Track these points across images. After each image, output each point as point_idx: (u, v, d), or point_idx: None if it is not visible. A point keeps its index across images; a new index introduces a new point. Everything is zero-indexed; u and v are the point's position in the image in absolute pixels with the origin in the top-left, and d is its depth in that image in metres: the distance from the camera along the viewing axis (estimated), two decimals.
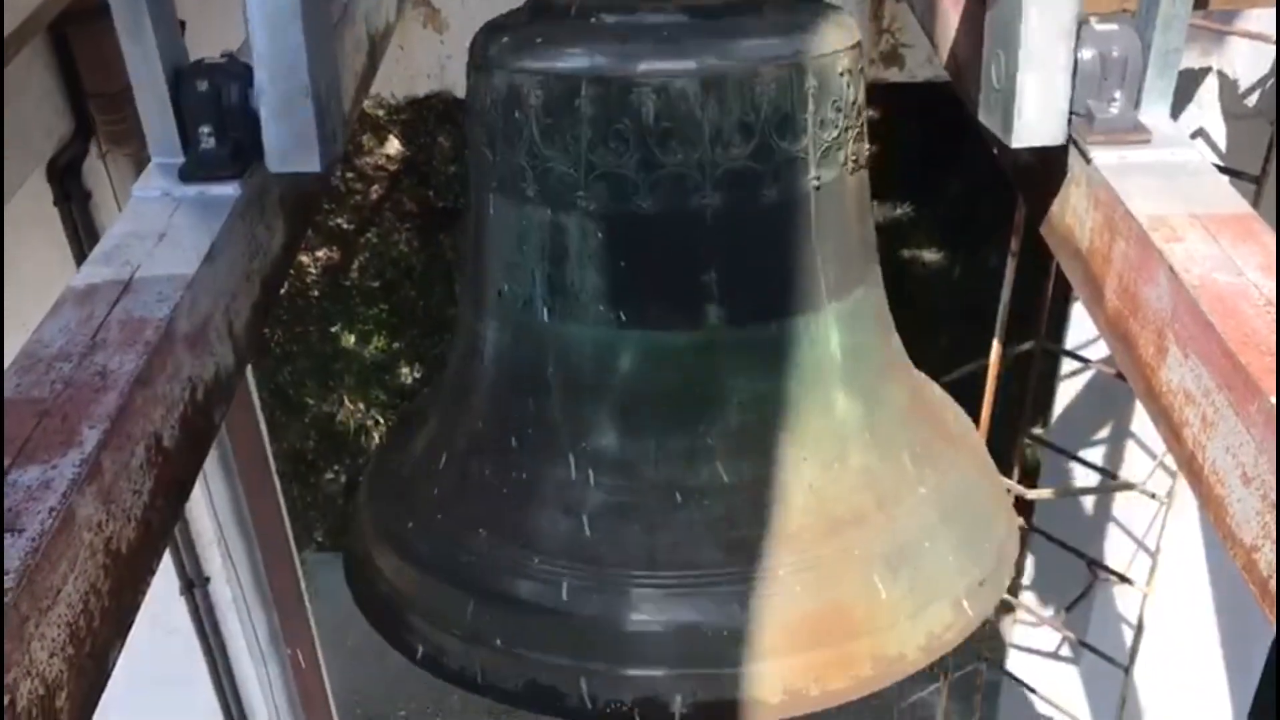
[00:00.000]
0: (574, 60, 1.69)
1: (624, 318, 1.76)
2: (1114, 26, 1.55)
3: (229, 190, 1.55)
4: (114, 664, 1.14)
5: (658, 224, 1.73)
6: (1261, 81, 4.25)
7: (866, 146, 1.90)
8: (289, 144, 1.55)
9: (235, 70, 1.58)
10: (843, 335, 1.85)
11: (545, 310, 1.80)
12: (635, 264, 1.76)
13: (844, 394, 1.85)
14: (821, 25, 1.77)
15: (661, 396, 1.79)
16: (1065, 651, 6.06)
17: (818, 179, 1.77)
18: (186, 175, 1.57)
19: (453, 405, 2.01)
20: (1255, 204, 3.29)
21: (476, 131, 1.85)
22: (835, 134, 1.78)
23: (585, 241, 1.75)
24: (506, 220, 1.84)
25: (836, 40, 1.77)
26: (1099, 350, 4.90)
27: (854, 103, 1.82)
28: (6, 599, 0.94)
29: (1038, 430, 5.89)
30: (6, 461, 1.08)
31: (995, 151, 1.76)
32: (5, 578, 0.96)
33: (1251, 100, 4.30)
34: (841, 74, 1.78)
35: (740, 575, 1.71)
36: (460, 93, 1.99)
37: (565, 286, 1.78)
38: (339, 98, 1.68)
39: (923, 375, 2.20)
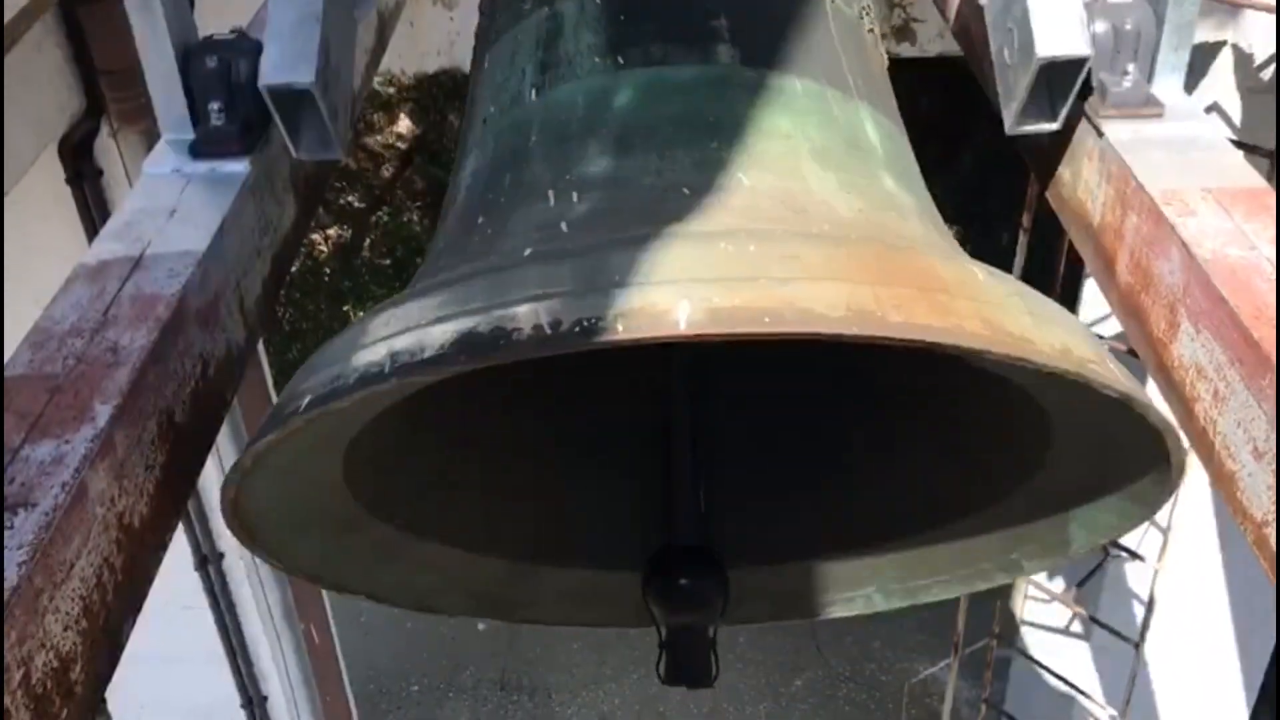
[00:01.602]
0: None
1: (622, 61, 1.54)
2: (1128, 0, 1.54)
3: (239, 167, 1.56)
4: (127, 637, 1.15)
5: None
6: (1277, 55, 4.21)
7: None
8: (305, 136, 1.56)
9: (244, 47, 1.58)
10: (872, 117, 1.60)
11: (533, 91, 1.58)
12: (636, 11, 1.59)
13: (876, 163, 1.55)
14: None
15: (666, 121, 1.50)
16: (1076, 627, 6.07)
17: None
18: (197, 152, 1.57)
19: (440, 231, 1.64)
20: (1270, 178, 3.28)
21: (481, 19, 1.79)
22: None
23: (583, 11, 1.60)
24: (499, 50, 1.70)
25: None
26: (1111, 326, 4.88)
27: None
28: (21, 572, 0.95)
29: None
30: (20, 437, 1.09)
31: (1006, 125, 1.75)
32: (19, 551, 0.97)
33: (1266, 74, 4.26)
34: None
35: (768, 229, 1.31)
36: (469, 68, 1.98)
37: (556, 59, 1.58)
38: (350, 81, 1.68)
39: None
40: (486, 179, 1.56)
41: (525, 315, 1.11)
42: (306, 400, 1.17)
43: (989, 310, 1.18)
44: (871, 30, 1.82)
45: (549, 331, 1.09)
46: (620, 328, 1.07)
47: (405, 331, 1.17)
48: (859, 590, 1.92)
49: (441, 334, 1.13)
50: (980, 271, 1.26)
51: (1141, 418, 1.20)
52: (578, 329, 1.08)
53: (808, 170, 1.44)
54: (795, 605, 2.00)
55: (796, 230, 1.31)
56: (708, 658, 1.87)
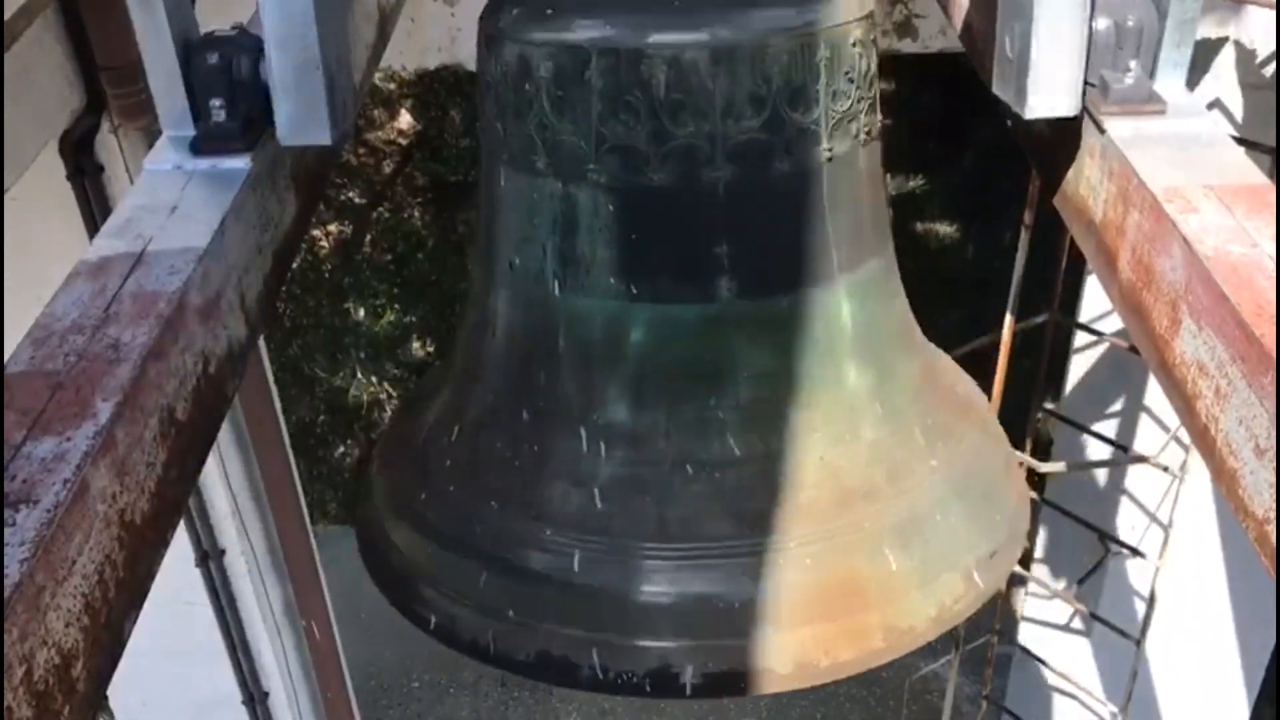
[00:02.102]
0: (584, 31, 1.68)
1: (634, 290, 1.75)
2: None
3: (240, 163, 1.55)
4: (129, 634, 1.15)
5: (669, 196, 1.72)
6: (1278, 52, 4.20)
7: (879, 118, 1.89)
8: (300, 117, 1.55)
9: (246, 42, 1.58)
10: (854, 308, 1.84)
11: (556, 283, 1.79)
12: (646, 236, 1.75)
13: (855, 367, 1.84)
14: None
15: (672, 369, 1.78)
16: (1077, 624, 6.07)
17: (830, 151, 1.76)
18: (198, 148, 1.57)
19: (464, 377, 2.02)
20: (1272, 175, 3.27)
21: (487, 104, 1.84)
22: (848, 105, 1.77)
23: (596, 214, 1.75)
24: (517, 193, 1.83)
25: (849, 10, 1.76)
26: (1112, 323, 4.88)
27: (866, 73, 1.80)
28: (23, 569, 0.95)
29: (1050, 404, 5.88)
30: (21, 434, 1.09)
31: (1009, 123, 1.75)
32: (21, 548, 0.97)
33: (1269, 71, 4.26)
34: (854, 45, 1.76)
35: (751, 548, 1.71)
36: (471, 65, 1.99)
37: (576, 259, 1.77)
38: (349, 70, 1.68)
39: (934, 347, 2.19)
40: (521, 363, 1.88)
41: (583, 659, 1.69)
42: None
43: (891, 614, 1.70)
44: (867, 136, 1.85)
45: (600, 676, 1.68)
46: (648, 688, 1.67)
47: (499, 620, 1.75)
48: None
49: (520, 648, 1.73)
50: (892, 553, 1.75)
51: None
52: (619, 681, 1.67)
53: (787, 417, 1.78)
54: None
55: (763, 550, 1.71)
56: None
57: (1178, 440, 4.70)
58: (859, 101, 1.79)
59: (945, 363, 2.18)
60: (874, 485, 1.78)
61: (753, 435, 1.76)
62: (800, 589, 1.69)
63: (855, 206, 1.86)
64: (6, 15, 2.81)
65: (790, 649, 1.68)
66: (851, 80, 1.76)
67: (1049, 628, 6.22)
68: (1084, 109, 1.57)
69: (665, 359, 1.78)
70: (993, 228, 9.94)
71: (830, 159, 1.76)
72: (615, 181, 1.72)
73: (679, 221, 1.75)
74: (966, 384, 2.18)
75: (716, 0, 1.68)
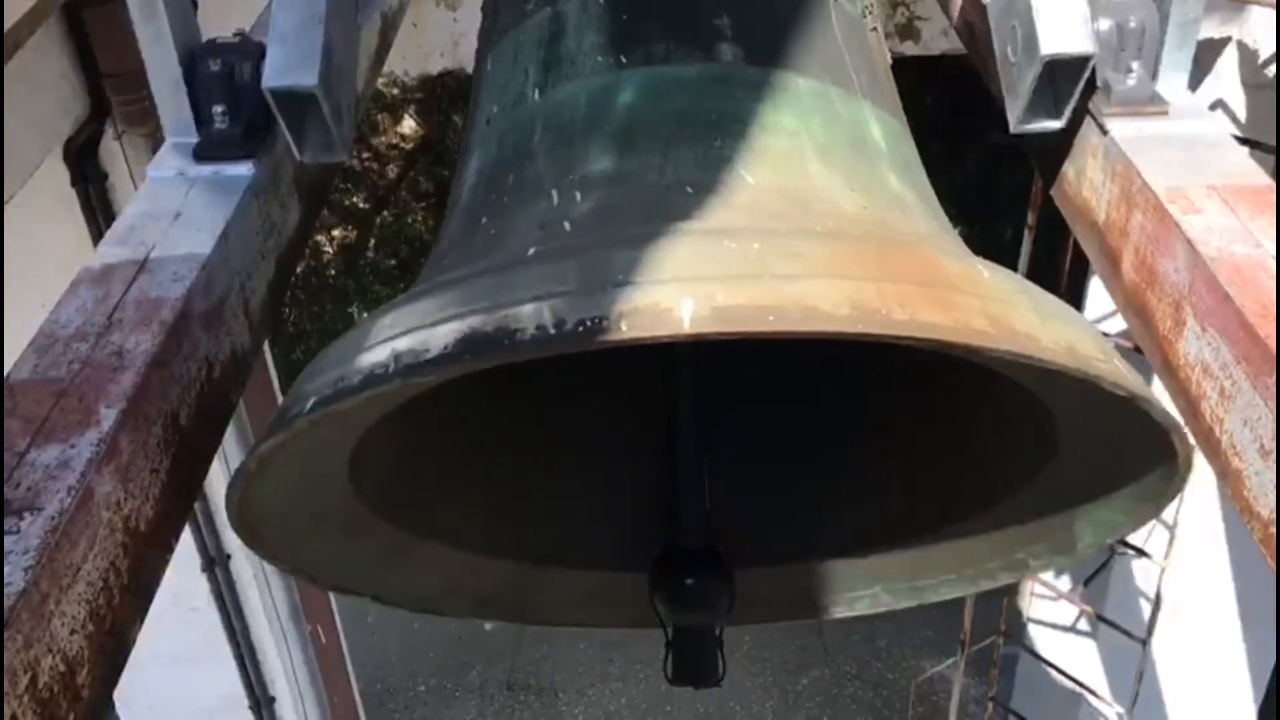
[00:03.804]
0: None
1: (625, 60, 1.53)
2: None
3: (243, 170, 1.56)
4: (134, 641, 1.15)
5: None
6: (1277, 52, 4.20)
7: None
8: (309, 139, 1.56)
9: (248, 49, 1.58)
10: (876, 116, 1.60)
11: (535, 91, 1.57)
12: (639, 11, 1.58)
13: (881, 159, 1.56)
14: None
15: (669, 118, 1.49)
16: (1083, 625, 6.06)
17: None
18: (201, 155, 1.57)
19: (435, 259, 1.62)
20: (1274, 175, 3.25)
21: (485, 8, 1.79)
22: None
23: (585, 10, 1.59)
24: (501, 51, 1.68)
25: None
26: (1116, 324, 4.87)
27: None
28: (27, 576, 0.95)
29: None
30: (25, 441, 1.09)
31: (1011, 123, 1.75)
32: (25, 556, 0.97)
33: (1271, 71, 4.25)
34: None
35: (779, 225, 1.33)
36: (472, 69, 1.98)
37: (559, 58, 1.57)
38: (353, 83, 1.68)
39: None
40: (489, 178, 1.55)
41: (529, 315, 1.09)
42: (311, 402, 1.16)
43: (994, 307, 1.16)
44: (875, 29, 1.81)
45: (553, 331, 1.07)
46: (624, 327, 1.06)
47: (409, 332, 1.15)
48: (864, 590, 1.92)
49: (445, 334, 1.12)
50: (985, 269, 1.25)
51: (1147, 415, 1.18)
52: (581, 328, 1.06)
53: (812, 168, 1.44)
54: (801, 605, 2.00)
55: (801, 227, 1.30)
56: (714, 656, 1.88)
57: None
58: None
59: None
60: (904, 231, 1.44)
61: (766, 170, 1.43)
62: (857, 248, 1.22)
63: (863, 47, 1.68)
64: (10, 23, 2.81)
65: (845, 290, 1.12)
66: None
67: (1055, 629, 6.21)
68: (1086, 109, 1.57)
69: (660, 111, 1.50)
70: (996, 229, 9.93)
71: None
72: None
73: None
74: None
75: None
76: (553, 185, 1.42)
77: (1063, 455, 1.58)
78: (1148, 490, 1.48)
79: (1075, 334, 1.18)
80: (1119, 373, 1.16)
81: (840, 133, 1.52)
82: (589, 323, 1.07)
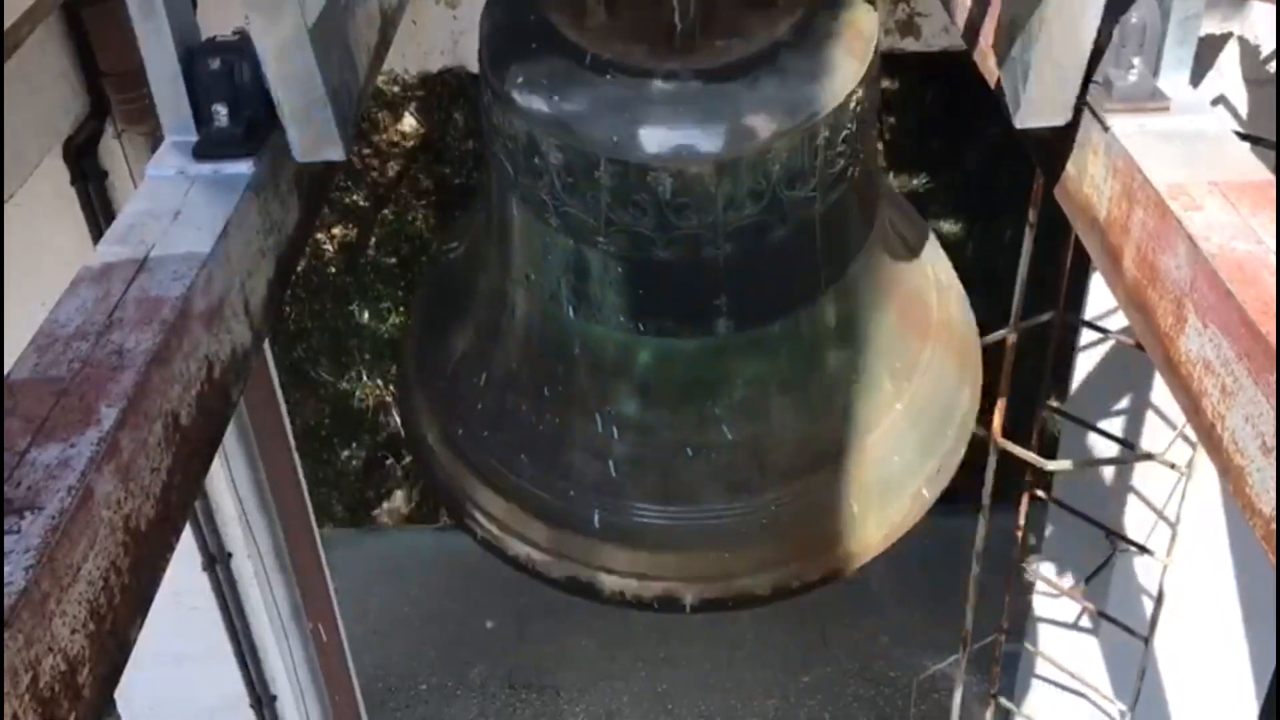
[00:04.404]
0: (592, 135, 1.72)
1: (642, 328, 1.93)
2: None
3: (243, 168, 1.56)
4: (135, 640, 1.15)
5: (672, 267, 1.82)
6: (1277, 49, 4.19)
7: (875, 133, 1.96)
8: (310, 138, 1.56)
9: (247, 48, 1.58)
10: (838, 307, 2.00)
11: (570, 309, 1.95)
12: (652, 293, 1.90)
13: (835, 353, 2.05)
14: (837, 57, 1.76)
15: (675, 383, 2.02)
16: (1085, 623, 6.05)
17: (823, 205, 1.84)
18: (200, 153, 1.57)
19: (487, 327, 2.16)
20: (1276, 171, 3.24)
21: (496, 142, 1.88)
22: (843, 162, 1.83)
23: (605, 273, 1.86)
24: (531, 228, 1.91)
25: (852, 72, 1.77)
26: (1118, 321, 4.87)
27: (865, 119, 1.85)
28: (28, 576, 0.95)
29: (1056, 401, 5.87)
30: (26, 440, 1.09)
31: (1012, 120, 1.75)
32: (26, 555, 0.97)
33: (1273, 66, 4.24)
34: (854, 107, 1.79)
35: (737, 511, 2.03)
36: (473, 67, 1.98)
37: (588, 296, 1.91)
38: (354, 81, 1.68)
39: (922, 242, 2.28)
40: (539, 347, 2.06)
41: (605, 586, 2.07)
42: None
43: (849, 543, 2.07)
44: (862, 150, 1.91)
45: (619, 597, 2.06)
46: (656, 606, 2.10)
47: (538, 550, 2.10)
48: None
49: (557, 570, 2.09)
50: (855, 506, 2.08)
51: None
52: (634, 602, 2.08)
53: (774, 413, 2.03)
54: None
55: (755, 509, 2.02)
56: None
57: (1184, 437, 4.69)
58: (854, 151, 1.84)
59: (920, 269, 2.24)
60: (844, 443, 2.05)
61: (744, 424, 2.02)
62: (777, 539, 2.05)
63: (845, 228, 1.96)
64: (10, 21, 2.81)
65: (767, 579, 2.09)
66: (849, 140, 1.82)
67: (1057, 626, 6.20)
68: (1087, 106, 1.57)
69: (669, 376, 2.01)
70: (997, 225, 9.92)
71: (823, 211, 1.84)
72: (623, 253, 1.83)
73: (681, 283, 1.88)
74: (935, 280, 2.25)
75: (719, 101, 1.72)
76: (595, 409, 2.01)
77: None
78: None
79: (896, 513, 2.12)
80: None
81: (800, 357, 2.02)
82: (639, 600, 2.09)
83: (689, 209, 1.75)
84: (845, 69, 1.76)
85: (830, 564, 2.09)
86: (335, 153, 1.58)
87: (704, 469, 2.02)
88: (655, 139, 1.70)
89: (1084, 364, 5.50)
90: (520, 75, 1.78)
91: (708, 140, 1.70)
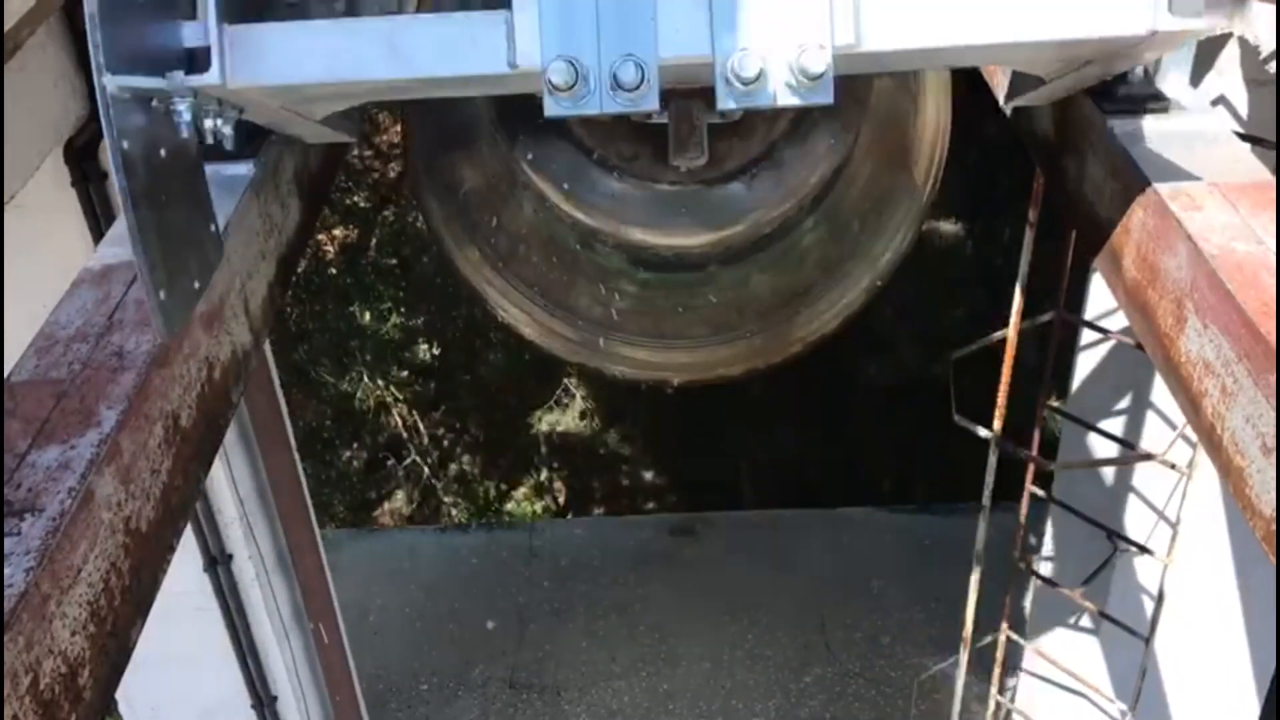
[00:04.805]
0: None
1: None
2: None
3: (243, 169, 1.56)
4: (136, 641, 1.15)
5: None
6: (1277, 49, 4.18)
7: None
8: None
9: None
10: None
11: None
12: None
13: (814, 216, 2.23)
14: (831, 150, 1.99)
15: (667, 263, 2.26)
16: (1085, 622, 6.05)
17: None
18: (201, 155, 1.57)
19: (492, 181, 2.28)
20: (1276, 172, 3.22)
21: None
22: None
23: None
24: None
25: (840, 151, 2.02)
26: (1118, 320, 4.86)
27: None
28: (28, 578, 0.95)
29: (1056, 401, 5.86)
30: (26, 442, 1.09)
31: (1012, 121, 1.75)
32: (26, 557, 0.97)
33: (1273, 67, 4.24)
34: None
35: (721, 339, 2.38)
36: None
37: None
38: None
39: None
40: (546, 211, 2.20)
41: (612, 372, 2.55)
42: None
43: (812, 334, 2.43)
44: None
45: (618, 378, 2.54)
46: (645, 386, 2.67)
47: None
48: None
49: (568, 356, 2.45)
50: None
51: None
52: (636, 383, 2.41)
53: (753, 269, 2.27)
54: None
55: (735, 338, 2.38)
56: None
57: (1185, 437, 4.68)
58: None
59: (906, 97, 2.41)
60: (811, 283, 2.36)
61: (728, 291, 2.31)
62: (750, 350, 2.47)
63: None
64: (10, 23, 2.81)
65: (740, 367, 2.55)
66: None
67: (1057, 626, 6.20)
68: (1088, 107, 1.57)
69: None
70: (997, 225, 9.92)
71: None
72: None
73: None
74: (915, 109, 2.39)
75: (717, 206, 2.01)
76: (599, 281, 2.32)
77: None
78: None
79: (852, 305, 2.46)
80: None
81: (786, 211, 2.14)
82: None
83: None
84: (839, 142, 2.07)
85: (791, 350, 2.45)
86: (346, 134, 1.58)
87: (693, 318, 2.32)
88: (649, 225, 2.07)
89: (1084, 364, 5.49)
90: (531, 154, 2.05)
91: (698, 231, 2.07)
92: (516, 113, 1.95)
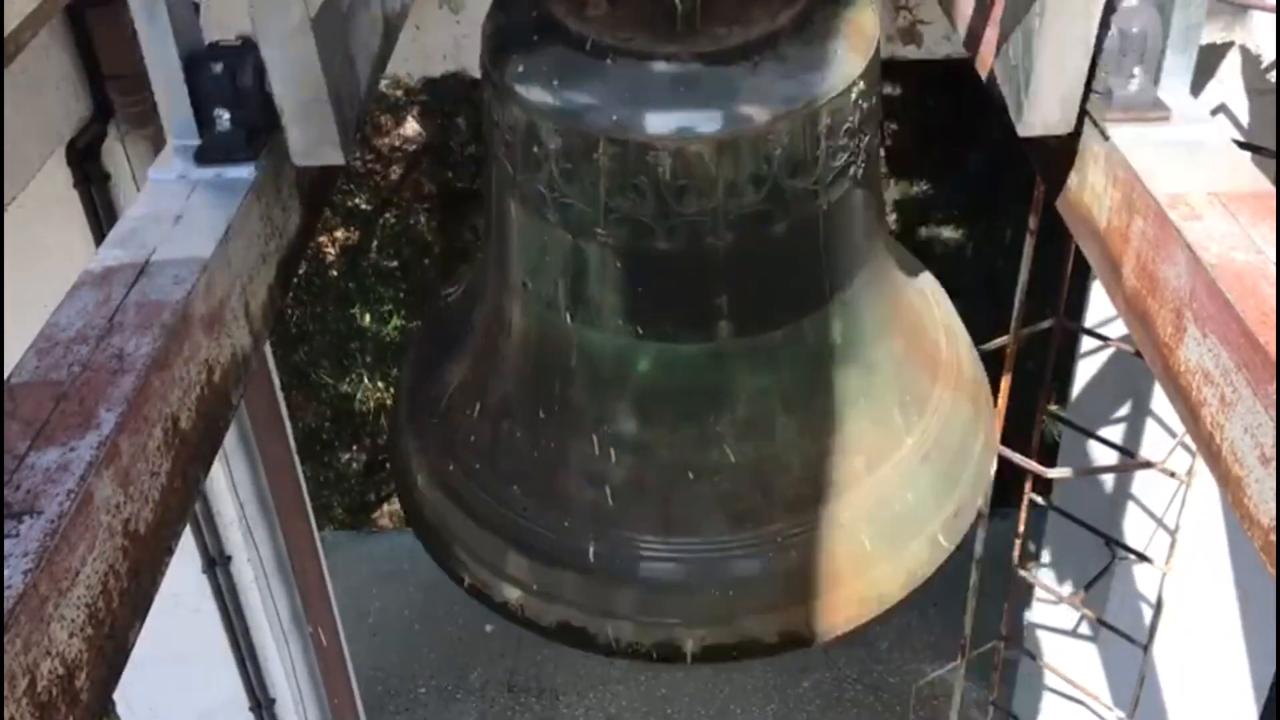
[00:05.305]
0: (591, 116, 1.70)
1: (641, 332, 1.87)
2: (1134, 2, 1.53)
3: (245, 172, 1.56)
4: (134, 643, 1.15)
5: (673, 258, 1.78)
6: (1277, 58, 4.19)
7: (877, 141, 1.92)
8: (311, 142, 1.56)
9: (250, 52, 1.58)
10: (843, 320, 1.93)
11: (568, 315, 1.90)
12: (651, 290, 1.85)
13: (842, 371, 1.96)
14: (838, 49, 1.75)
15: (675, 394, 1.94)
16: (1084, 630, 6.05)
17: (827, 201, 1.81)
18: (202, 157, 1.57)
19: (483, 354, 2.11)
20: (1276, 181, 3.22)
21: (496, 141, 1.86)
22: (846, 157, 1.80)
23: (604, 267, 1.82)
24: (529, 228, 1.88)
25: (853, 67, 1.75)
26: (1118, 328, 4.87)
27: (867, 117, 1.82)
28: (26, 579, 0.95)
29: (1056, 408, 5.86)
30: (25, 444, 1.09)
31: (1014, 128, 1.75)
32: (25, 559, 0.97)
33: (1274, 75, 4.24)
34: (856, 99, 1.77)
35: (743, 543, 1.92)
36: (475, 73, 1.99)
37: (586, 299, 1.86)
38: (356, 86, 1.68)
39: (926, 283, 2.29)
40: (535, 364, 2.00)
41: (599, 630, 1.92)
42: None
43: (864, 586, 1.93)
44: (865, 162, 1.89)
45: (613, 645, 1.92)
46: (654, 656, 1.92)
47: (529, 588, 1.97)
48: None
49: (549, 616, 1.96)
50: (866, 541, 1.93)
51: None
52: (630, 650, 1.91)
53: (777, 427, 1.94)
54: None
55: (760, 541, 1.91)
56: None
57: (1184, 445, 4.69)
58: (857, 147, 1.81)
59: (931, 310, 2.24)
60: (853, 473, 1.95)
61: (746, 445, 1.93)
62: (784, 575, 1.92)
63: (849, 233, 1.91)
64: (13, 24, 2.81)
65: (776, 624, 1.93)
66: (851, 133, 1.78)
67: (1056, 633, 6.20)
68: (1088, 115, 1.57)
69: (669, 386, 1.94)
70: (998, 232, 9.92)
71: (826, 209, 1.81)
72: (622, 245, 1.78)
73: (682, 278, 1.83)
74: (948, 328, 2.23)
75: (719, 82, 1.70)
76: (593, 430, 1.92)
77: None
78: None
79: (913, 557, 1.98)
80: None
81: (804, 375, 1.94)
82: (636, 648, 1.91)
83: (689, 192, 1.71)
84: (846, 61, 1.75)
85: (843, 609, 1.93)
86: (335, 156, 1.58)
87: (706, 494, 1.92)
88: (654, 119, 1.68)
89: (1084, 371, 5.50)
90: (521, 65, 1.77)
91: (707, 120, 1.68)
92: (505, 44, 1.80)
